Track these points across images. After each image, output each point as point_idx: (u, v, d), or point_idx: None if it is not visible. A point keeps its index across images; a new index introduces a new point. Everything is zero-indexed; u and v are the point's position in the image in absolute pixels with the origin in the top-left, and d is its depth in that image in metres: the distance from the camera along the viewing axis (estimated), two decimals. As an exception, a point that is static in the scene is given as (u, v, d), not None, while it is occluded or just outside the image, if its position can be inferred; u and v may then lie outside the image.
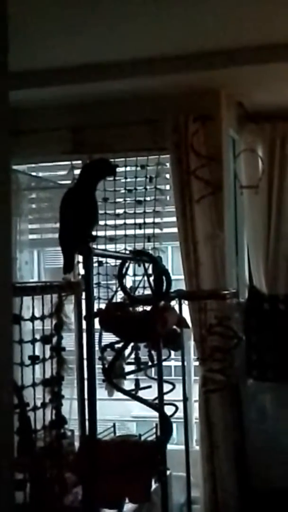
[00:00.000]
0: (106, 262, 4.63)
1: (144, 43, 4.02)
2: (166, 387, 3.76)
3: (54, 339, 3.09)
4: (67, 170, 4.85)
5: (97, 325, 3.20)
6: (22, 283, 3.65)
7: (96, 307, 3.27)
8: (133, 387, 4.05)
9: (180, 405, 4.16)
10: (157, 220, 4.74)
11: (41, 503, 2.98)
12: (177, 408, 3.70)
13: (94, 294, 3.15)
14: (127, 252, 4.42)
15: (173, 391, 3.86)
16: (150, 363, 3.87)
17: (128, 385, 4.09)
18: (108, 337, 3.71)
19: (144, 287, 3.99)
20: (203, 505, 4.44)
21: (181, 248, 4.50)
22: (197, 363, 4.61)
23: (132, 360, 4.00)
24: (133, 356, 4.06)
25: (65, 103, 4.68)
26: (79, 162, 4.79)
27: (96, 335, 3.43)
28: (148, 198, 4.73)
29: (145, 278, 3.78)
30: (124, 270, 3.70)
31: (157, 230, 4.73)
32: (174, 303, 4.06)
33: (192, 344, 4.76)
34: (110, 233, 4.74)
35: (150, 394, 3.80)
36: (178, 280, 4.52)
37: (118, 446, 3.45)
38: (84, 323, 3.08)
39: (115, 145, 4.62)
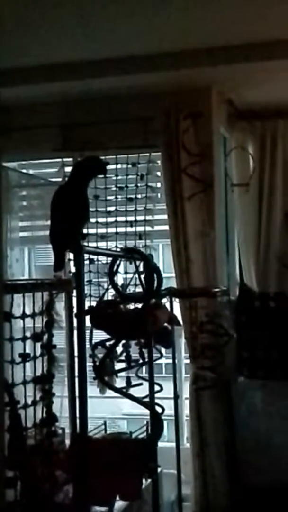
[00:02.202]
0: (97, 260, 4.63)
1: (135, 41, 4.01)
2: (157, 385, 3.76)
3: (45, 337, 3.09)
4: (57, 168, 4.84)
5: (88, 322, 3.20)
6: (12, 281, 3.65)
7: (87, 304, 3.26)
8: (124, 385, 4.05)
9: (171, 402, 4.16)
10: (148, 217, 4.74)
11: (32, 501, 2.97)
12: (163, 409, 3.70)
13: (85, 291, 3.15)
14: (118, 249, 4.42)
15: (164, 387, 3.86)
16: (141, 361, 3.87)
17: (120, 383, 4.10)
18: (99, 335, 3.71)
19: (135, 285, 3.99)
20: (193, 502, 4.45)
21: (172, 245, 4.50)
22: (188, 361, 4.61)
23: (123, 358, 4.00)
24: (123, 353, 4.06)
25: (56, 100, 4.67)
26: (70, 159, 4.79)
27: (87, 333, 3.42)
28: (139, 196, 4.73)
29: (136, 275, 3.78)
30: (115, 267, 3.70)
31: (148, 228, 4.73)
32: (165, 301, 4.06)
33: (183, 342, 4.76)
34: (101, 230, 4.73)
35: (141, 391, 3.80)
36: (169, 277, 4.52)
37: (109, 443, 3.46)
38: (75, 320, 3.09)
39: (105, 142, 4.62)
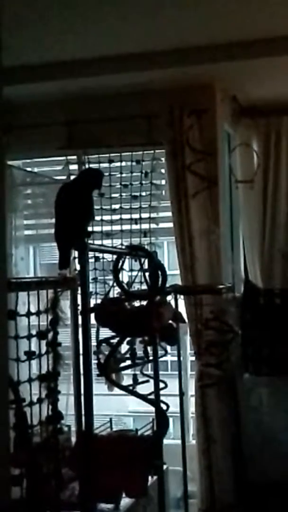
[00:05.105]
0: (103, 257, 4.63)
1: (139, 38, 4.01)
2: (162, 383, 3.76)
3: (50, 335, 3.09)
4: (62, 166, 4.85)
5: (93, 320, 3.21)
6: (17, 279, 3.65)
7: (92, 302, 3.27)
8: (131, 382, 4.05)
9: (177, 399, 4.16)
10: (153, 215, 4.74)
11: (38, 499, 2.98)
12: (168, 406, 3.70)
13: (90, 289, 3.16)
14: (123, 247, 4.42)
15: (170, 385, 3.86)
16: (145, 359, 3.87)
17: (126, 380, 4.10)
18: (104, 332, 3.71)
19: (140, 282, 3.99)
20: (199, 499, 4.45)
21: (176, 243, 4.50)
22: (193, 358, 4.62)
23: (128, 356, 4.00)
24: (128, 351, 4.05)
25: (60, 98, 4.68)
26: (74, 157, 4.79)
27: (92, 330, 3.43)
28: (143, 193, 4.73)
29: (141, 273, 3.78)
30: (120, 265, 3.70)
31: (153, 225, 4.73)
32: (170, 298, 4.06)
33: (188, 339, 4.77)
34: (106, 228, 4.73)
35: (146, 389, 3.80)
36: (174, 275, 4.52)
37: (115, 441, 3.46)
38: (80, 318, 3.09)
39: (110, 140, 4.62)
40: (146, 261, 3.72)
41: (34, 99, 4.66)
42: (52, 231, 3.14)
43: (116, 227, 4.75)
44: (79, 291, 3.15)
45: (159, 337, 3.73)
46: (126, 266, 4.14)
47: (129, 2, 3.54)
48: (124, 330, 3.50)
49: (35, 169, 5.37)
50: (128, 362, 3.88)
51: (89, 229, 3.42)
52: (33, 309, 2.99)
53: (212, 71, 4.33)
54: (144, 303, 3.63)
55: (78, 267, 3.04)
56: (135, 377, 4.03)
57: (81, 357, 3.06)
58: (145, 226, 4.73)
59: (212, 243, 4.47)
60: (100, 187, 3.39)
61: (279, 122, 4.88)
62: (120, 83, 4.46)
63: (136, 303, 3.75)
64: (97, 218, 4.48)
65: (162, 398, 3.70)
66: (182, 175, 4.46)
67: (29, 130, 4.65)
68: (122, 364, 3.93)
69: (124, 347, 3.93)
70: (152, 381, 3.70)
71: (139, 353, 3.94)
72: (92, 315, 3.17)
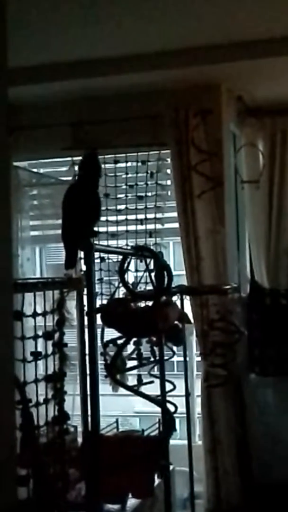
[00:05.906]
0: (108, 258, 4.64)
1: (144, 38, 4.01)
2: (168, 384, 3.76)
3: (56, 335, 3.09)
4: (67, 166, 4.85)
5: (99, 321, 3.21)
6: (24, 280, 3.65)
7: (98, 303, 3.27)
8: (135, 382, 4.06)
9: (183, 400, 4.16)
10: (159, 215, 4.74)
11: (45, 499, 2.98)
12: (176, 407, 3.70)
13: (96, 290, 3.16)
14: (129, 247, 4.42)
15: (176, 385, 3.86)
16: (152, 359, 3.87)
17: (131, 380, 4.10)
18: (110, 333, 3.71)
19: (145, 283, 3.99)
20: (206, 499, 4.45)
21: (182, 243, 4.50)
22: (199, 358, 4.61)
23: (134, 356, 4.00)
24: (134, 351, 4.06)
25: (65, 99, 4.68)
26: (80, 158, 4.78)
27: (99, 331, 3.43)
28: (149, 194, 4.73)
29: (147, 273, 3.78)
30: (125, 265, 3.70)
31: (158, 226, 4.73)
32: (175, 299, 4.06)
33: (194, 339, 4.76)
34: (112, 229, 4.74)
35: (153, 389, 3.80)
36: (180, 275, 4.52)
37: (121, 441, 3.46)
38: (86, 319, 3.09)
39: (115, 140, 4.62)
40: (152, 261, 3.72)
41: (39, 100, 4.67)
42: (58, 231, 3.14)
43: (122, 228, 4.75)
44: (85, 292, 3.15)
45: (165, 338, 3.73)
46: (132, 266, 4.15)
47: (135, 2, 3.54)
48: (130, 330, 3.51)
49: (41, 170, 5.37)
50: (135, 363, 3.88)
51: (95, 229, 3.41)
52: (39, 310, 2.99)
53: (218, 71, 4.33)
54: (150, 303, 3.63)
55: (84, 267, 3.04)
56: (139, 377, 4.04)
57: (87, 358, 3.06)
58: (150, 226, 4.73)
59: (218, 243, 4.47)
60: (100, 168, 3.32)
61: (285, 122, 4.87)
62: (126, 84, 4.47)
63: (142, 304, 3.75)
64: (103, 218, 4.48)
65: (168, 398, 3.70)
66: (187, 175, 4.46)
67: (35, 130, 4.66)
68: (129, 365, 3.93)
69: (130, 348, 3.94)
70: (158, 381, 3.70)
71: (146, 353, 3.94)
72: (98, 316, 3.17)
